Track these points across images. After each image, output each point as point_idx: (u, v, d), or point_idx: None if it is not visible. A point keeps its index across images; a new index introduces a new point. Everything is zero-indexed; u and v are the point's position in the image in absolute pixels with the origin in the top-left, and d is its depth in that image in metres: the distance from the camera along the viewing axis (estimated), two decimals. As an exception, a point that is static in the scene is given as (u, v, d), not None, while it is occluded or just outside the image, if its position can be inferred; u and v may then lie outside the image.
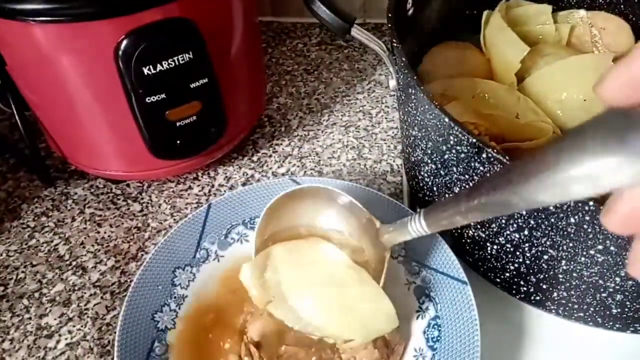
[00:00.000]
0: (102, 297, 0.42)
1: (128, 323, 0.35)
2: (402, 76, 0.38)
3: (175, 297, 0.38)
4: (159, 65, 0.38)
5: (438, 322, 0.37)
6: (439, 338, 0.36)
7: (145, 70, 0.38)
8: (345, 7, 0.42)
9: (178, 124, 0.41)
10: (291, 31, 0.68)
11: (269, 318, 0.36)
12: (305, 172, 0.52)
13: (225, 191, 0.49)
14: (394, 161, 0.52)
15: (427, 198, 0.42)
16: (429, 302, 0.38)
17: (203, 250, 0.41)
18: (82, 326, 0.40)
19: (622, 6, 0.54)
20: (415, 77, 0.35)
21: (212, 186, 0.50)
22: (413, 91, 0.37)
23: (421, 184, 0.42)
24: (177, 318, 0.37)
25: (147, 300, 0.37)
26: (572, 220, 0.30)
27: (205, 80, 0.41)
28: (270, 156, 0.53)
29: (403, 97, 0.40)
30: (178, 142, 0.43)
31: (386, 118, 0.57)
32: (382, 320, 0.35)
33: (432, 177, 0.40)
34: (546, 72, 0.48)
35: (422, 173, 0.41)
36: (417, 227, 0.31)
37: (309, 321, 0.35)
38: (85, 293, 0.42)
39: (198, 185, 0.50)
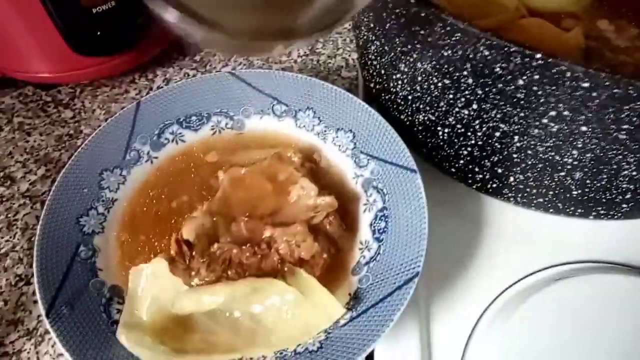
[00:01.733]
0: (32, 207, 0.39)
1: (49, 227, 0.33)
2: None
3: (103, 201, 0.35)
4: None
5: (385, 213, 0.34)
6: (385, 229, 0.33)
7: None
8: None
9: (95, 10, 0.37)
10: None
11: (205, 218, 0.34)
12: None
13: (165, 94, 0.45)
14: (349, 55, 0.48)
15: (377, 86, 0.38)
16: (377, 194, 0.35)
17: (134, 151, 0.37)
18: (10, 237, 0.37)
19: None
20: None
21: (151, 89, 0.46)
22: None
23: (370, 70, 0.38)
24: (106, 222, 0.35)
25: (70, 204, 0.34)
26: (521, 82, 0.26)
27: (119, -42, 0.36)
28: (215, 55, 0.48)
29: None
30: (99, 33, 0.38)
31: (344, 10, 0.52)
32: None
33: (378, 58, 0.36)
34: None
35: (370, 56, 0.37)
36: None
37: None
38: (14, 204, 0.39)
39: (135, 89, 0.45)
